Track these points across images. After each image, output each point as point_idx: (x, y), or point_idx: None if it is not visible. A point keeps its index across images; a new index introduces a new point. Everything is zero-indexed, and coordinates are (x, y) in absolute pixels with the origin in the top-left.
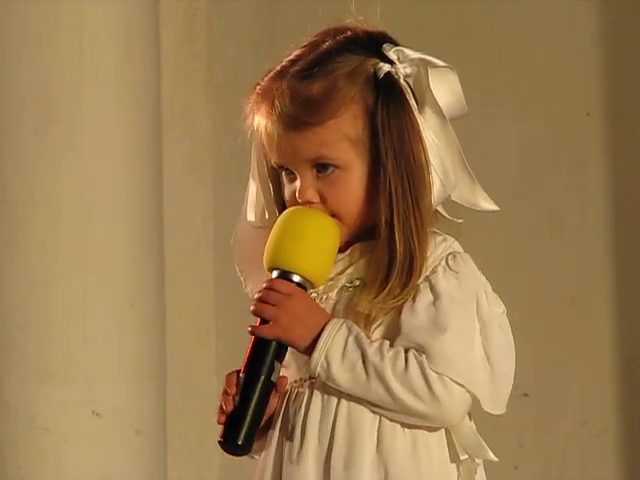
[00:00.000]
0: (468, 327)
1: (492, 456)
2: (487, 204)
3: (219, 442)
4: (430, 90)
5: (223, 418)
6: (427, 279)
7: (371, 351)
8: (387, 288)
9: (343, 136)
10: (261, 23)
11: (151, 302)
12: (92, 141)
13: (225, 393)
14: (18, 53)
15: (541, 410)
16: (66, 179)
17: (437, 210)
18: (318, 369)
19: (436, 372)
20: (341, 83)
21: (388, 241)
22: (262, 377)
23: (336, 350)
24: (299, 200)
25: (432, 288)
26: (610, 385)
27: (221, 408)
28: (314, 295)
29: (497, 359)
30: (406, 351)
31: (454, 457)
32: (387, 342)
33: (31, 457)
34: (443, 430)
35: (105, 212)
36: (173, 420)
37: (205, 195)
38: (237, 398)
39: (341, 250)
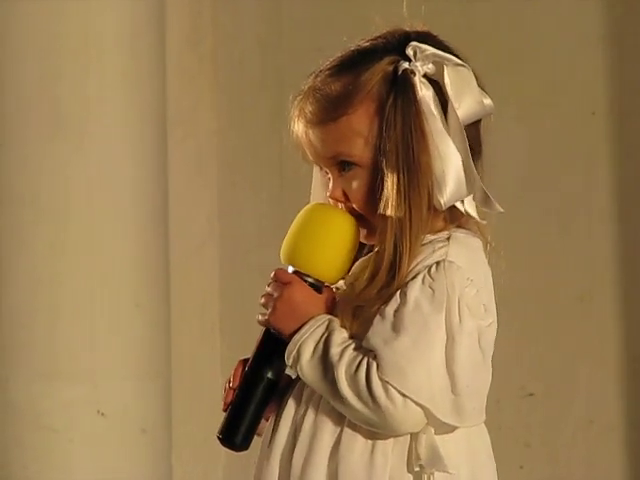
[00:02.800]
0: (426, 336)
1: (450, 470)
2: (495, 205)
3: (218, 438)
4: (446, 88)
5: (223, 407)
6: (406, 285)
7: (334, 351)
8: (372, 285)
9: (356, 133)
10: (267, 22)
11: (156, 301)
12: (98, 141)
13: (228, 384)
14: (25, 54)
15: (547, 409)
16: (72, 179)
17: (457, 208)
18: (290, 360)
19: (381, 379)
20: (357, 81)
21: (380, 240)
22: (265, 377)
23: (309, 346)
24: (329, 199)
25: (404, 294)
26: (617, 384)
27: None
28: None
29: (461, 371)
30: (365, 354)
31: (412, 467)
32: (354, 345)
33: (37, 456)
34: (408, 440)
35: (111, 212)
36: (178, 419)
37: (210, 195)
38: (238, 394)
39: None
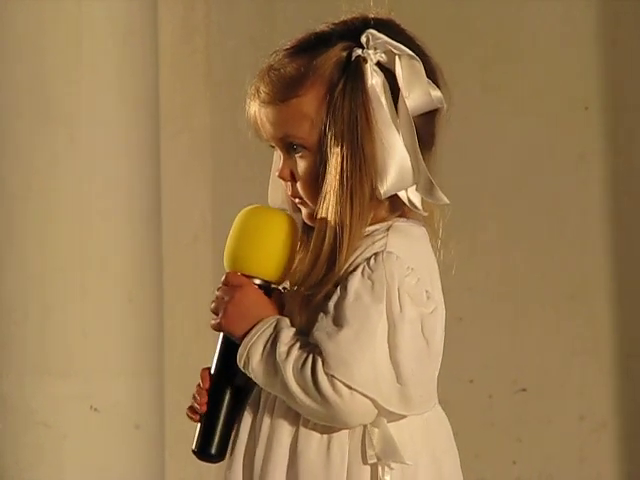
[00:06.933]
0: (368, 327)
1: (406, 461)
2: (442, 197)
3: (193, 452)
4: (396, 78)
5: (197, 417)
6: (347, 278)
7: (281, 350)
8: (314, 272)
9: (304, 116)
10: (260, 17)
11: (149, 297)
12: (90, 135)
13: (199, 386)
14: (17, 47)
15: (539, 405)
16: (64, 173)
17: (399, 198)
18: (242, 363)
19: (326, 373)
20: (311, 64)
21: (321, 225)
22: (229, 385)
23: (258, 347)
24: (278, 178)
25: (344, 288)
26: (608, 380)
27: (192, 407)
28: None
29: (404, 360)
30: (311, 350)
31: (367, 460)
32: (301, 342)
33: (29, 451)
34: (361, 432)
35: (103, 206)
36: (171, 415)
37: (203, 189)
38: (207, 405)
39: None
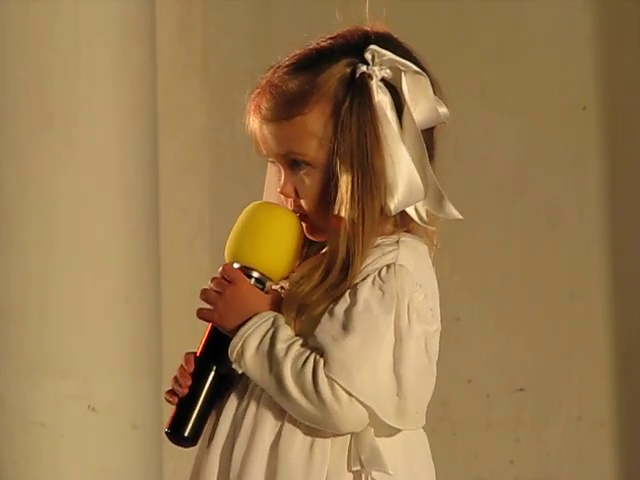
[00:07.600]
0: (375, 337)
1: (389, 472)
2: (453, 212)
3: (165, 433)
4: (403, 94)
5: (176, 400)
6: (356, 286)
7: (280, 347)
8: (323, 284)
9: (310, 133)
10: (257, 17)
11: (147, 297)
12: (88, 136)
13: (182, 369)
14: (14, 48)
15: (537, 405)
16: (62, 175)
17: (407, 214)
18: (234, 355)
19: (327, 376)
20: (314, 81)
21: (333, 241)
22: (212, 371)
23: (253, 341)
24: (280, 194)
25: (354, 295)
26: (606, 380)
27: (172, 390)
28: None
29: (407, 374)
30: (312, 351)
31: (351, 466)
32: (300, 341)
33: (27, 451)
34: (348, 439)
35: (101, 207)
36: (169, 415)
37: (201, 190)
38: (187, 389)
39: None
